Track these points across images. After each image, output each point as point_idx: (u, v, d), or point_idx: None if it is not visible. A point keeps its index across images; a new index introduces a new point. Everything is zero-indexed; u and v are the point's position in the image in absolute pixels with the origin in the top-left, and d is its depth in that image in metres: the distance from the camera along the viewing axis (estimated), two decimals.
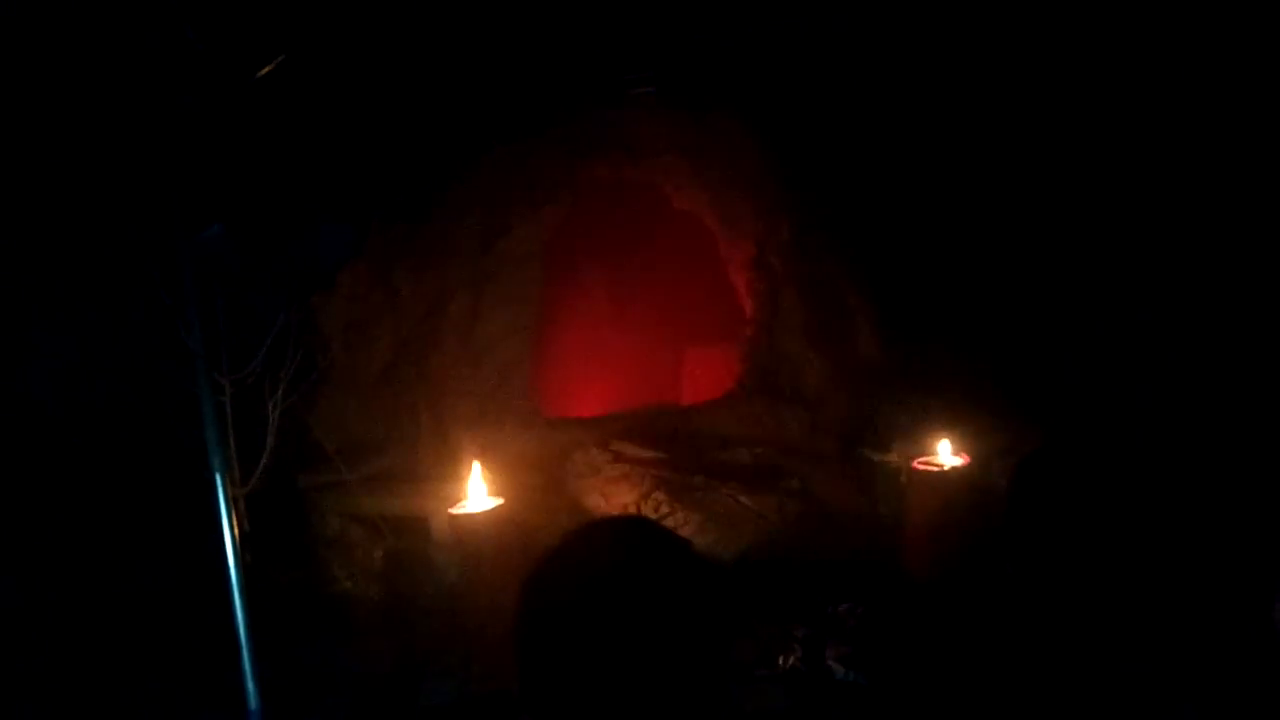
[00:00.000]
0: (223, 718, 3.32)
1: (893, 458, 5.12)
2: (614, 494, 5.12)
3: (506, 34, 5.69)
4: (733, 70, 5.95)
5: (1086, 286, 5.72)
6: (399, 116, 5.70)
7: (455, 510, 4.36)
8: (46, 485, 5.27)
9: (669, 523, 4.92)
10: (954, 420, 4.76)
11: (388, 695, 4.05)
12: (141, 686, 4.08)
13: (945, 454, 4.68)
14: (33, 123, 4.73)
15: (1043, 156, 5.81)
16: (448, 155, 5.92)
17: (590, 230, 6.27)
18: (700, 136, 6.13)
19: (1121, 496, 1.65)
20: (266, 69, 3.05)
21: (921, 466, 4.68)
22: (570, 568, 1.13)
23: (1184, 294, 5.43)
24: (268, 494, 5.02)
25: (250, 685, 2.80)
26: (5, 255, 5.32)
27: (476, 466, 4.44)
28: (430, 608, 4.57)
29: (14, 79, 4.26)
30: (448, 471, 4.77)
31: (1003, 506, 1.80)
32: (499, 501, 4.38)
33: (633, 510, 4.98)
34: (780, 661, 4.00)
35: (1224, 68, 5.27)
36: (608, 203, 6.25)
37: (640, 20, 5.79)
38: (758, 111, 6.04)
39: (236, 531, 2.79)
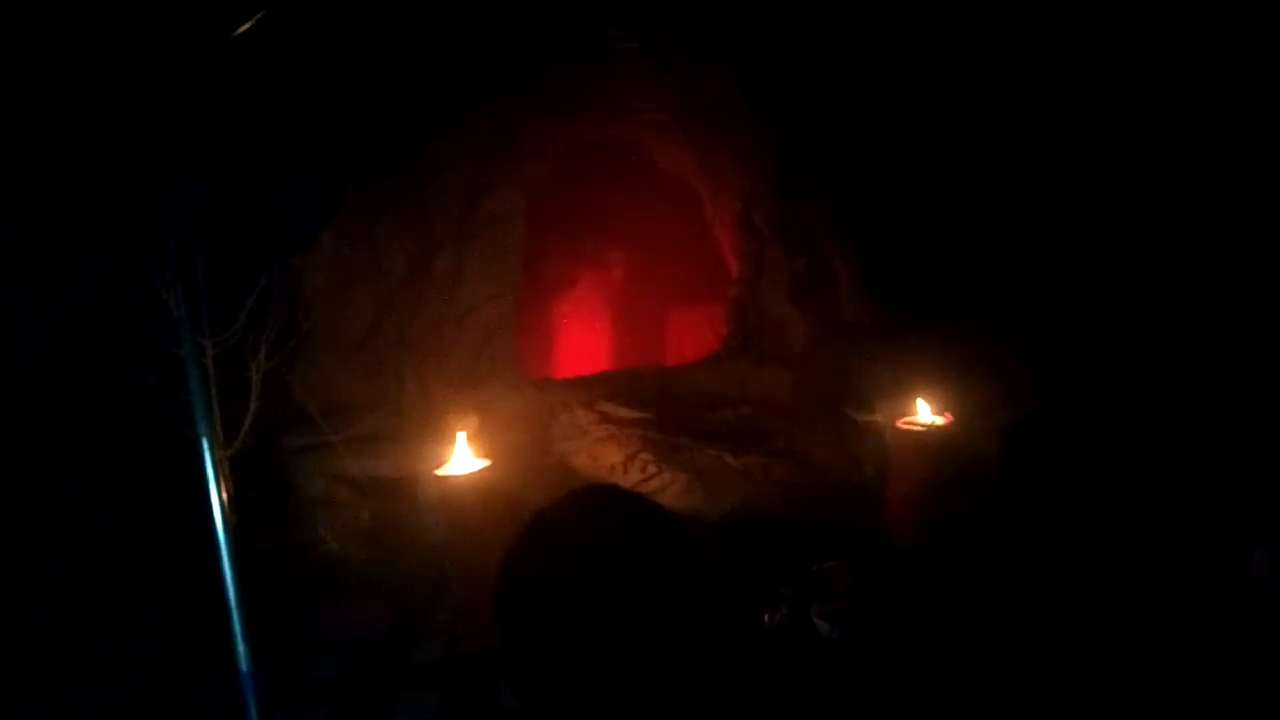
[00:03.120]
0: (214, 680, 3.34)
1: (876, 417, 5.15)
2: (601, 455, 5.13)
3: None
4: (718, 26, 5.88)
5: (1070, 247, 5.74)
6: (379, 73, 5.59)
7: (441, 471, 4.36)
8: (24, 449, 5.23)
9: (655, 483, 4.95)
10: (937, 379, 4.79)
11: (379, 655, 4.07)
12: (133, 649, 4.08)
13: (928, 413, 4.72)
14: (13, 81, 4.61)
15: (1025, 112, 5.79)
16: (429, 112, 5.83)
17: (574, 189, 6.22)
18: (685, 93, 6.07)
19: (1112, 460, 1.67)
20: (246, 25, 2.98)
21: (905, 426, 4.72)
22: (545, 541, 1.12)
23: (1168, 258, 5.47)
24: (251, 456, 4.99)
25: (241, 647, 2.79)
26: None
27: (462, 429, 4.43)
28: (418, 568, 4.59)
29: None
30: (433, 433, 4.76)
31: (988, 466, 1.81)
32: (486, 463, 4.37)
33: (619, 470, 5.00)
34: (766, 619, 4.04)
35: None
36: (592, 161, 6.20)
37: None
38: (743, 68, 5.97)
39: (225, 494, 2.77)
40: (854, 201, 5.90)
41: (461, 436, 4.37)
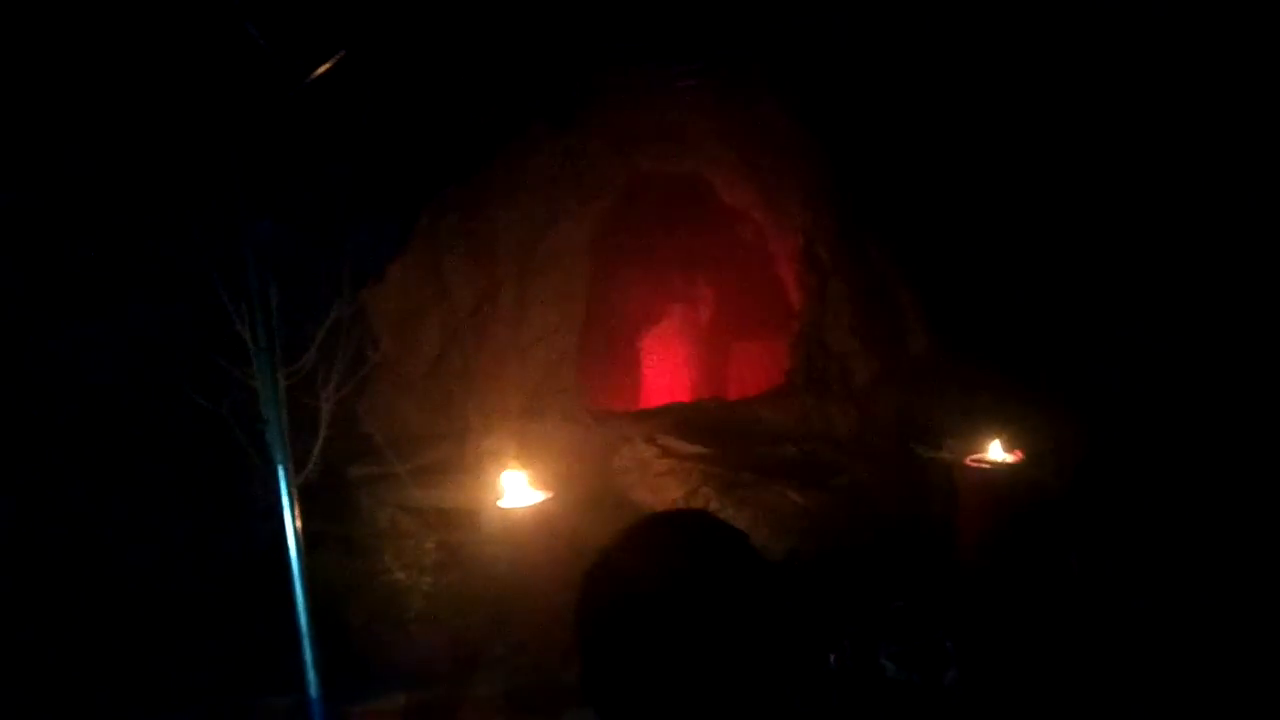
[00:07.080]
0: (285, 704, 3.38)
1: (944, 454, 5.05)
2: (661, 489, 5.11)
3: (553, 25, 5.70)
4: (780, 60, 5.90)
5: (1139, 281, 5.62)
6: (448, 110, 5.72)
7: (504, 503, 4.39)
8: (100, 477, 5.38)
9: None
10: (1005, 417, 4.70)
11: (442, 683, 4.09)
12: (203, 674, 4.15)
13: (997, 451, 4.63)
14: (96, 119, 4.81)
15: (1089, 153, 5.71)
16: (496, 149, 5.94)
17: (638, 224, 6.27)
18: (748, 128, 6.08)
19: (1184, 498, 1.63)
20: (326, 66, 3.08)
21: (973, 463, 4.64)
22: (633, 562, 1.13)
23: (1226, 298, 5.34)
24: (317, 485, 5.07)
25: (311, 674, 2.83)
26: (61, 253, 5.45)
27: (524, 461, 4.46)
28: (480, 598, 4.60)
29: (81, 75, 4.34)
30: (496, 464, 4.79)
31: (1059, 503, 1.80)
32: (547, 495, 4.40)
33: (681, 505, 4.97)
34: (831, 660, 3.97)
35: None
36: (655, 196, 6.24)
37: (687, 10, 5.77)
38: (806, 102, 5.98)
39: (299, 523, 2.82)
40: (919, 235, 5.85)
41: (523, 467, 4.41)
